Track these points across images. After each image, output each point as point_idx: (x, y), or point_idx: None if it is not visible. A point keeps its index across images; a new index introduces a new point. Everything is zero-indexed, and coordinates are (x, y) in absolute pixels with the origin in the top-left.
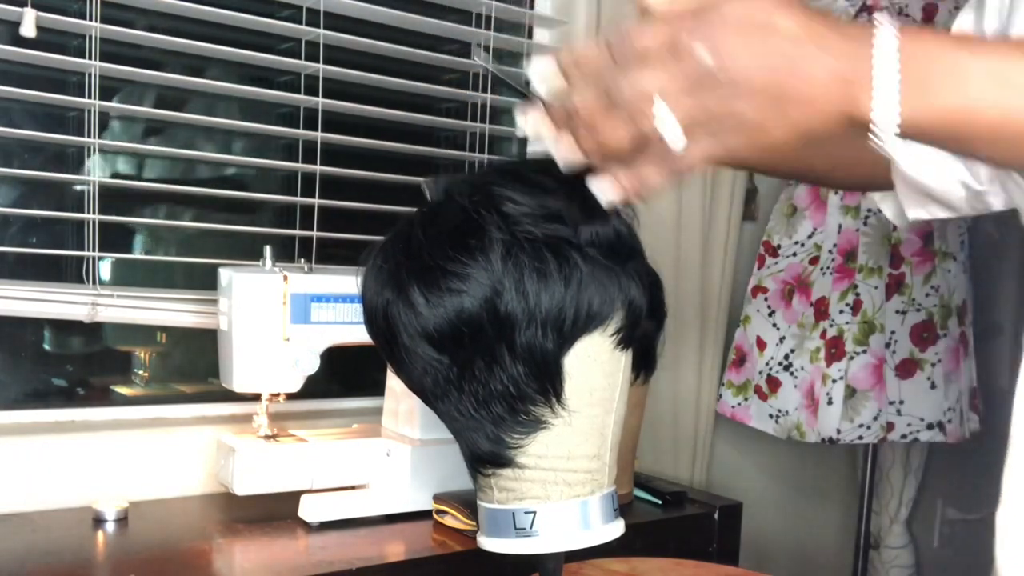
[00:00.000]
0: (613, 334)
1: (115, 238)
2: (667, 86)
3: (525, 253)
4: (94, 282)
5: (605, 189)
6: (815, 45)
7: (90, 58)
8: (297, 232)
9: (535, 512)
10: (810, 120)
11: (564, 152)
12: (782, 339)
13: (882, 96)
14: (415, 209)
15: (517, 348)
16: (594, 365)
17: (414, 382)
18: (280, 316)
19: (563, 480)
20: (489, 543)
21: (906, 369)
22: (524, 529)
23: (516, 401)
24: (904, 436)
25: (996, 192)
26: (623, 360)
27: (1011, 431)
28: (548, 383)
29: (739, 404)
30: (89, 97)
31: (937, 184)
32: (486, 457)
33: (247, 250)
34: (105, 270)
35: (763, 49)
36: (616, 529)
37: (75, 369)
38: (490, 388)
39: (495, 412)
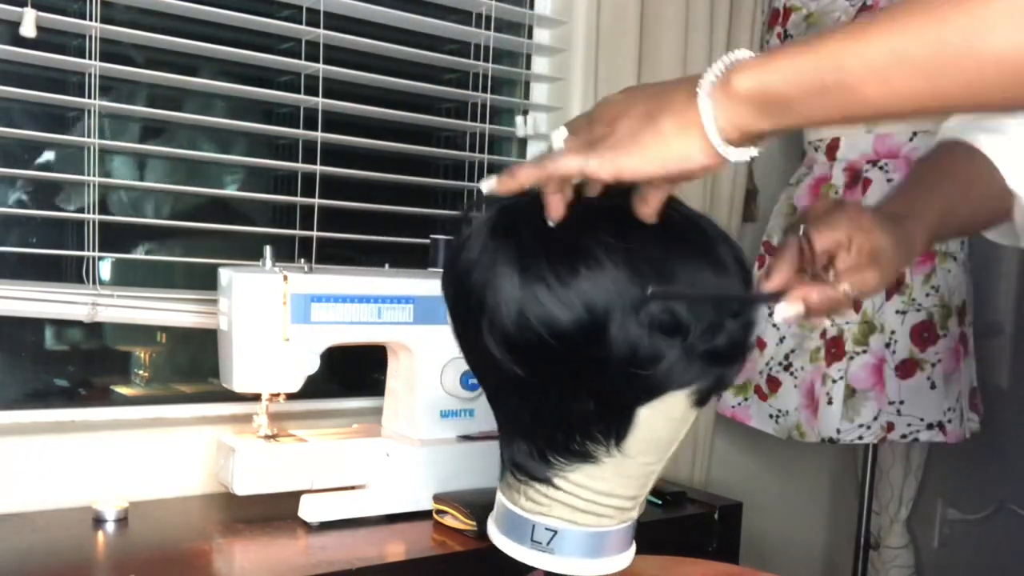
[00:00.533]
0: (692, 394)
1: (115, 238)
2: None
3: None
4: (94, 282)
5: (486, 184)
6: (679, 82)
7: (90, 58)
8: (297, 232)
9: (556, 532)
10: (675, 126)
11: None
12: (782, 339)
13: (703, 90)
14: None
15: (598, 387)
16: (664, 420)
17: (476, 370)
18: (280, 316)
19: (594, 511)
20: (500, 540)
21: (906, 369)
22: (540, 543)
23: (575, 432)
24: (904, 436)
25: None
26: (692, 417)
27: None
28: (615, 427)
29: (739, 404)
30: (89, 97)
31: None
32: (524, 467)
33: (247, 250)
34: (105, 270)
35: (637, 95)
36: (627, 558)
37: (75, 369)
38: (555, 413)
39: (550, 434)
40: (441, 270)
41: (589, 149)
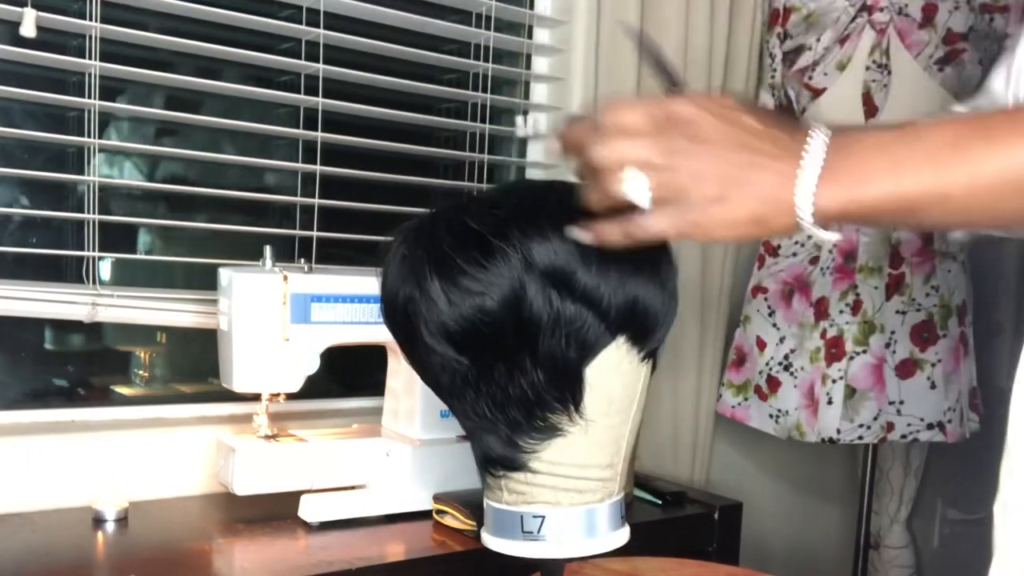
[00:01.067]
0: (635, 344)
1: (115, 238)
2: (645, 156)
3: (548, 260)
4: (94, 282)
5: (576, 232)
6: (769, 143)
7: (90, 58)
8: (297, 232)
9: (544, 517)
10: (755, 209)
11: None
12: (782, 339)
13: (802, 190)
14: (439, 207)
15: (539, 355)
16: (615, 376)
17: (430, 378)
18: (280, 316)
19: (575, 487)
20: (494, 543)
21: (906, 369)
22: (531, 532)
23: (534, 407)
24: (904, 436)
25: None
26: (644, 371)
27: (1008, 426)
28: (568, 392)
29: (739, 404)
30: (89, 97)
31: None
32: (498, 459)
33: (247, 250)
34: (105, 270)
35: (733, 137)
36: (621, 536)
37: (75, 369)
38: (508, 392)
39: (511, 416)
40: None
41: (675, 210)
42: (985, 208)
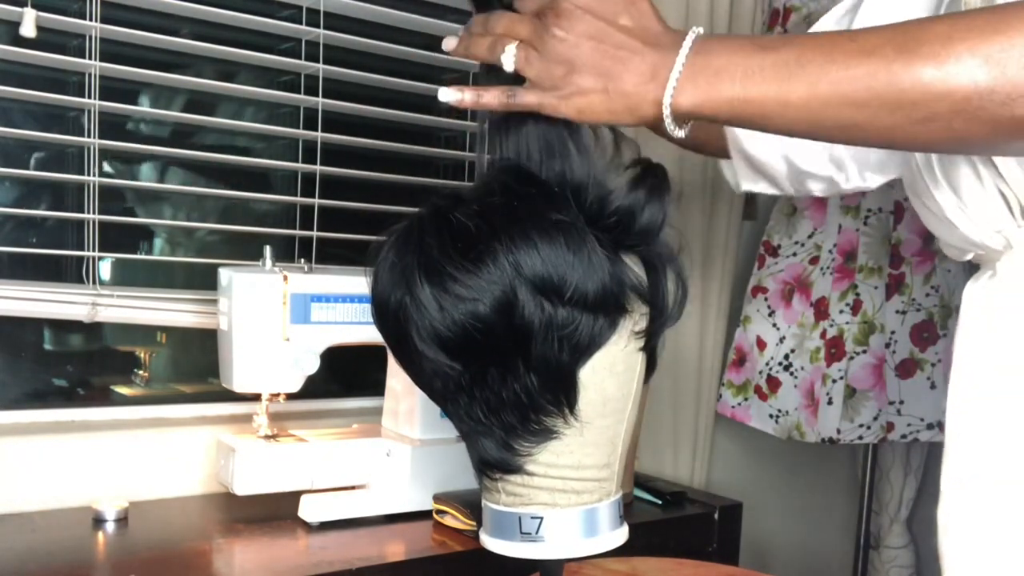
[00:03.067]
0: (627, 345)
1: (115, 238)
2: (523, 34)
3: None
4: (94, 282)
5: (446, 93)
6: (643, 43)
7: (90, 58)
8: (297, 232)
9: (542, 518)
10: (626, 107)
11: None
12: (782, 339)
13: (664, 86)
14: (422, 208)
15: (532, 359)
16: (609, 376)
17: (423, 383)
18: (280, 316)
19: (572, 488)
20: (493, 544)
21: (906, 369)
22: (530, 534)
23: (528, 411)
24: (904, 436)
25: (823, 178)
26: (638, 368)
27: (945, 430)
28: (562, 394)
29: (739, 404)
30: (89, 97)
31: (764, 156)
32: (494, 463)
33: (247, 250)
34: (105, 270)
35: (604, 38)
36: (620, 536)
37: (75, 369)
38: (502, 397)
39: (506, 420)
40: None
41: (551, 91)
42: (818, 118)
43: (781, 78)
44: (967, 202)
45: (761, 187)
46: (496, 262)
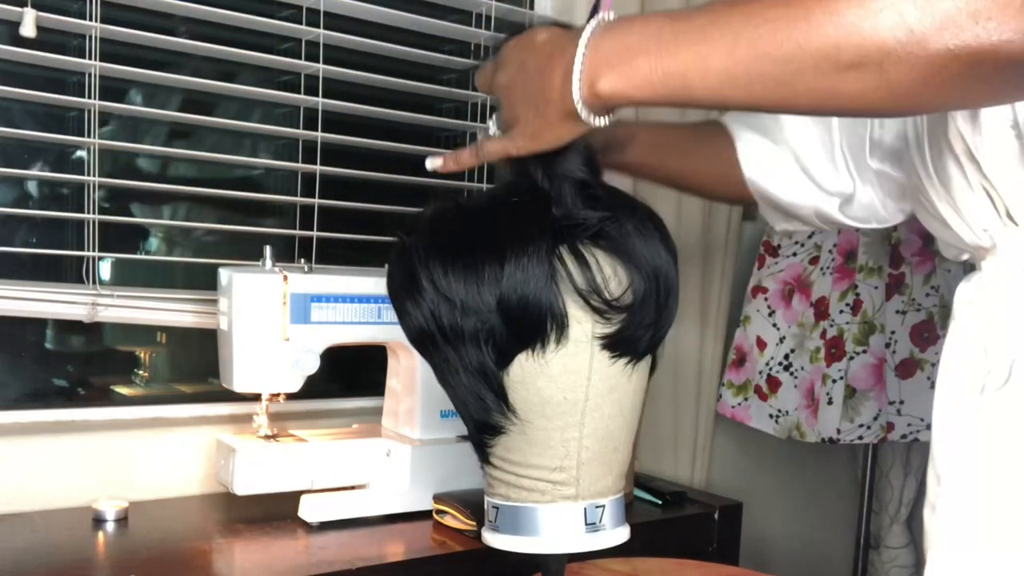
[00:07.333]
0: (564, 348)
1: (115, 238)
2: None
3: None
4: (94, 282)
5: (430, 161)
6: (558, 53)
7: (90, 58)
8: (297, 232)
9: (498, 509)
10: (558, 114)
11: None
12: (782, 339)
13: (575, 83)
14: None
15: (465, 360)
16: (540, 379)
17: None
18: (280, 316)
19: (521, 485)
20: (483, 532)
21: (906, 369)
22: (492, 522)
23: (474, 403)
24: (904, 436)
25: (854, 213)
26: (594, 376)
27: (932, 429)
28: (495, 392)
29: (739, 404)
30: (89, 97)
31: (786, 198)
32: (475, 447)
33: (247, 250)
34: (105, 270)
35: (526, 65)
36: (567, 542)
37: (75, 369)
38: (455, 391)
39: (464, 410)
40: None
41: (507, 137)
42: (744, 83)
43: (696, 42)
44: (957, 201)
45: (795, 226)
46: (423, 291)
